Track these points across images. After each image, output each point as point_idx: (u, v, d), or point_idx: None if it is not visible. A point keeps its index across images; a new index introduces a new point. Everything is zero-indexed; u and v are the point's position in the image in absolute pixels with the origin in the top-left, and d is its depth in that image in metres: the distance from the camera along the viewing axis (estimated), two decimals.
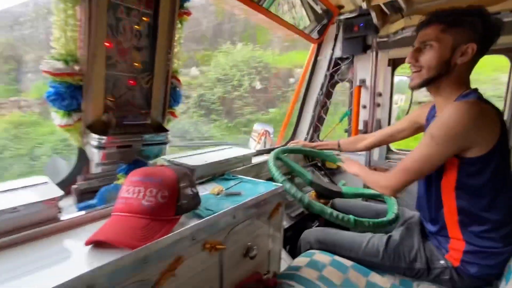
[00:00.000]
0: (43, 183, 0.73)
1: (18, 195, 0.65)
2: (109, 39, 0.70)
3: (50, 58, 0.64)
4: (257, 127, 2.06)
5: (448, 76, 0.85)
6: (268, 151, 1.64)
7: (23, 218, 0.60)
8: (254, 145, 1.95)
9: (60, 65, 0.64)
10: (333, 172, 1.80)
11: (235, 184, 0.96)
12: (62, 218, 0.65)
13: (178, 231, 0.58)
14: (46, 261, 0.51)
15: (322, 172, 1.74)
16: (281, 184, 0.92)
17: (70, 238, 0.61)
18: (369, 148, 1.36)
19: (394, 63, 1.53)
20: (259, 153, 1.60)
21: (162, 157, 0.97)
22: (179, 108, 1.05)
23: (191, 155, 1.10)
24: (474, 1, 1.11)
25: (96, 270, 0.45)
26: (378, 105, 1.59)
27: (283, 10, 1.41)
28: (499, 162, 0.81)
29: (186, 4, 0.81)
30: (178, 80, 0.89)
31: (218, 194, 0.86)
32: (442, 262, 0.89)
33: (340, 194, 1.25)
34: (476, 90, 0.86)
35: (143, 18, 0.76)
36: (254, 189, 0.90)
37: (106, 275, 0.46)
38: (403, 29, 1.34)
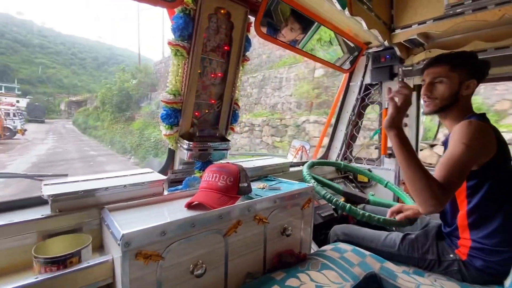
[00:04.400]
0: (150, 172, 1.11)
1: (140, 177, 1.04)
2: (198, 79, 1.09)
3: (166, 92, 1.04)
4: (295, 143, 2.35)
5: (456, 105, 1.06)
6: (303, 163, 1.90)
7: (145, 190, 0.98)
8: (291, 159, 2.23)
9: (171, 97, 1.03)
10: (364, 185, 1.97)
11: (275, 183, 1.25)
12: (164, 194, 1.02)
13: (239, 203, 0.89)
14: (164, 213, 0.86)
15: (353, 184, 1.93)
16: (311, 184, 1.18)
17: (172, 205, 0.96)
18: None
19: (419, 89, 1.71)
20: (296, 164, 1.87)
21: (223, 160, 1.31)
22: None
23: (243, 161, 1.44)
24: (482, 39, 1.30)
25: (195, 216, 0.77)
26: (406, 125, 1.76)
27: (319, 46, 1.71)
28: (500, 173, 0.97)
29: (247, 53, 1.19)
30: (238, 106, 1.24)
31: (263, 188, 1.17)
32: (451, 255, 1.04)
33: (366, 201, 1.44)
34: (477, 114, 1.05)
35: (219, 65, 1.14)
36: (290, 186, 1.18)
37: (200, 220, 0.78)
38: (424, 60, 1.54)
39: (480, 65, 1.03)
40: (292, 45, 1.44)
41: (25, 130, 18.16)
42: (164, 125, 1.07)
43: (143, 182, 0.96)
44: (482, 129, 0.93)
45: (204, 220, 0.79)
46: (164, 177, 1.02)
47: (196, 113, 1.14)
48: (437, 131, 1.74)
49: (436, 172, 0.88)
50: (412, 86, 1.70)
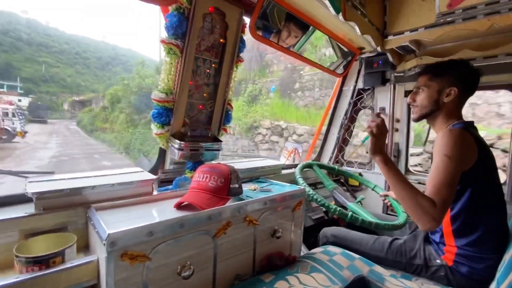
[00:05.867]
0: (140, 171, 1.10)
1: (129, 176, 1.02)
2: (191, 79, 1.08)
3: (157, 91, 1.03)
4: (288, 145, 2.35)
5: (440, 111, 1.09)
6: (295, 166, 1.90)
7: (134, 189, 0.96)
8: (284, 161, 2.23)
9: (163, 95, 1.02)
10: (355, 189, 1.99)
11: (267, 185, 1.25)
12: (154, 193, 1.00)
13: (229, 204, 0.88)
14: (152, 213, 0.85)
15: (345, 188, 1.94)
16: (303, 187, 1.19)
17: (161, 205, 0.94)
18: None
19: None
20: (288, 167, 1.87)
21: (214, 161, 1.30)
22: None
23: (235, 162, 1.43)
24: (471, 47, 1.34)
25: (184, 216, 0.76)
26: (397, 130, 1.79)
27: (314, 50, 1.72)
28: (480, 181, 0.98)
29: (241, 55, 1.18)
30: (231, 106, 1.24)
31: (254, 190, 1.16)
32: (438, 261, 1.05)
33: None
34: (463, 121, 1.07)
35: (213, 65, 1.13)
36: (281, 188, 1.18)
37: (189, 220, 0.77)
38: (415, 67, 1.57)
39: (463, 74, 1.04)
40: (287, 48, 1.45)
41: (26, 132, 16.65)
42: (155, 124, 1.05)
43: (132, 182, 0.94)
44: (462, 137, 0.95)
45: (193, 220, 0.78)
46: (153, 177, 1.01)
47: (188, 113, 1.13)
48: (427, 138, 1.76)
49: (427, 189, 0.90)
50: (403, 92, 1.73)
